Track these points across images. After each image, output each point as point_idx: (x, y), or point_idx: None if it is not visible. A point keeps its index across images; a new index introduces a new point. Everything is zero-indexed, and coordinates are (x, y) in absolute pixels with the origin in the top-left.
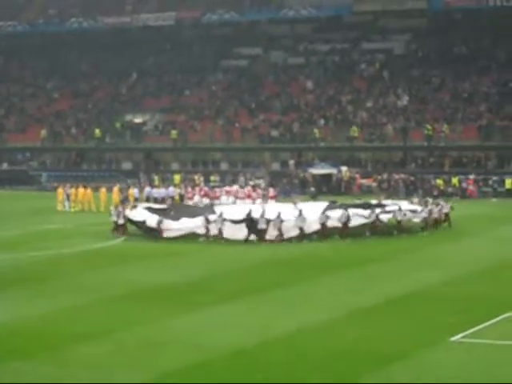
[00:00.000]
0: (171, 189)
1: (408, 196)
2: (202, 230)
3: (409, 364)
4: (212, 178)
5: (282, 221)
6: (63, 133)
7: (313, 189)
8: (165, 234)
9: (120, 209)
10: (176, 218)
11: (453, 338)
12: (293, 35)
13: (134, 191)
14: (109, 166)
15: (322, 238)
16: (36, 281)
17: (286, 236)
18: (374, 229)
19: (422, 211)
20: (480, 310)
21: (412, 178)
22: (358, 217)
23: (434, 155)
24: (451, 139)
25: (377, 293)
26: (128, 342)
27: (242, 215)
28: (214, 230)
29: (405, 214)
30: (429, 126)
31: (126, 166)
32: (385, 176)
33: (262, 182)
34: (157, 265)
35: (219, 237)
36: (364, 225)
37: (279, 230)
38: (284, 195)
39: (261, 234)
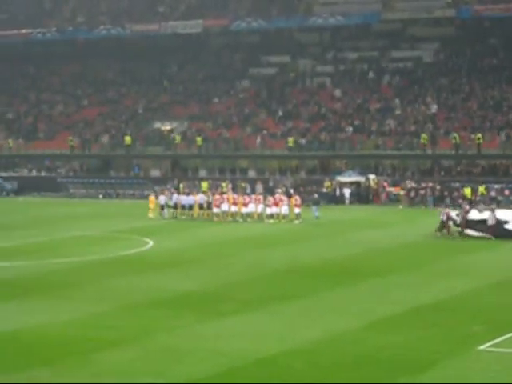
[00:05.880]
0: (200, 196)
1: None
2: None
3: (437, 373)
4: (240, 185)
5: None
6: (91, 140)
7: (316, 195)
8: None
9: (446, 209)
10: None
11: (481, 347)
12: (321, 43)
13: (160, 198)
14: (136, 173)
15: None
16: (59, 288)
17: None
18: None
19: None
20: (507, 319)
21: (439, 187)
22: None
23: (462, 164)
24: (480, 147)
25: (401, 302)
26: (153, 349)
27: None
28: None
29: None
30: (455, 135)
31: (154, 173)
32: (413, 184)
33: (290, 190)
34: (181, 272)
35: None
36: None
37: None
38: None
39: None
